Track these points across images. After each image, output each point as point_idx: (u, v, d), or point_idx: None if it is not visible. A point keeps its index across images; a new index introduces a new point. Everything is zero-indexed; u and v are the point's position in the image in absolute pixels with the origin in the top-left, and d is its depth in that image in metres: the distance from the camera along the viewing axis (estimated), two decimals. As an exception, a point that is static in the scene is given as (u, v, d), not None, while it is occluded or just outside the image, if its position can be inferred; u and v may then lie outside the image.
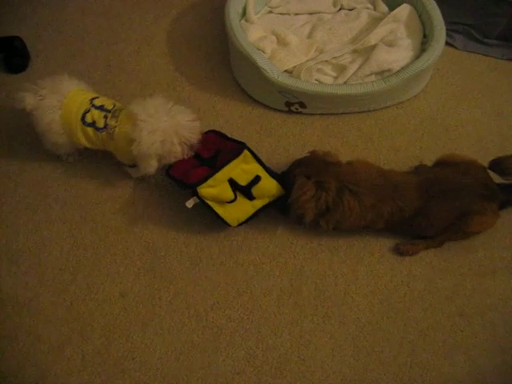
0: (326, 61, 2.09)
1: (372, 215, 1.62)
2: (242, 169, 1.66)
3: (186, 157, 1.70)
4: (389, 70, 2.01)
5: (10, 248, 1.80)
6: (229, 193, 1.64)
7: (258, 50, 2.03)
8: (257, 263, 1.74)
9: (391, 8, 2.25)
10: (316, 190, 1.59)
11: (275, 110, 2.08)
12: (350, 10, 2.31)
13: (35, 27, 2.40)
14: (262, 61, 1.93)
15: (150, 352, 1.61)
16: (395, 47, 2.06)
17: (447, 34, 2.09)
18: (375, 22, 2.21)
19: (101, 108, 1.73)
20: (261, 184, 1.66)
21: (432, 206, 1.61)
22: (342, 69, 2.06)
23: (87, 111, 1.72)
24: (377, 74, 2.04)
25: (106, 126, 1.70)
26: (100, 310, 1.68)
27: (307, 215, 1.61)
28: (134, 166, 1.79)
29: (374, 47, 2.06)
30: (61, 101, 1.73)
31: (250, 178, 1.66)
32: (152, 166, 1.68)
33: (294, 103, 2.00)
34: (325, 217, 1.64)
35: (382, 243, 1.77)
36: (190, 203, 1.63)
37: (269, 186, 1.68)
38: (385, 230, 1.71)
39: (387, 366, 1.58)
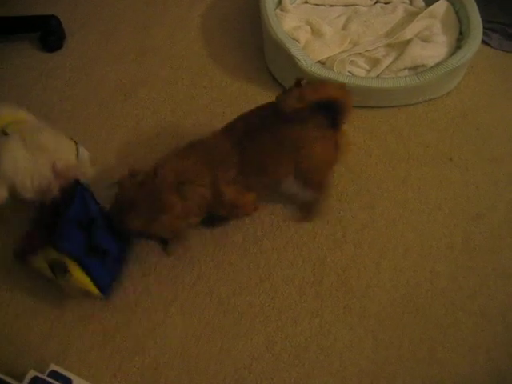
0: (360, 53, 2.08)
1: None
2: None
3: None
4: (423, 66, 1.99)
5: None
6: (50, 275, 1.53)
7: (293, 39, 2.03)
8: (280, 251, 1.75)
9: (428, 3, 2.23)
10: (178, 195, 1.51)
11: (306, 100, 2.08)
12: (386, 3, 2.29)
13: (71, 7, 2.43)
14: (295, 50, 1.93)
15: (170, 332, 1.63)
16: (430, 43, 2.04)
17: (483, 33, 2.06)
18: (411, 16, 2.19)
19: None
20: (72, 282, 1.51)
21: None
22: (375, 62, 2.05)
23: None
24: (410, 69, 2.02)
25: None
26: (123, 288, 1.70)
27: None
28: None
29: (408, 42, 2.05)
30: None
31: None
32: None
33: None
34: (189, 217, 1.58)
35: (407, 239, 1.77)
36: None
37: (82, 285, 1.53)
38: None
39: (405, 361, 1.57)
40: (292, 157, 1.57)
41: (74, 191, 1.55)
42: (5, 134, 1.55)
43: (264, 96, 2.10)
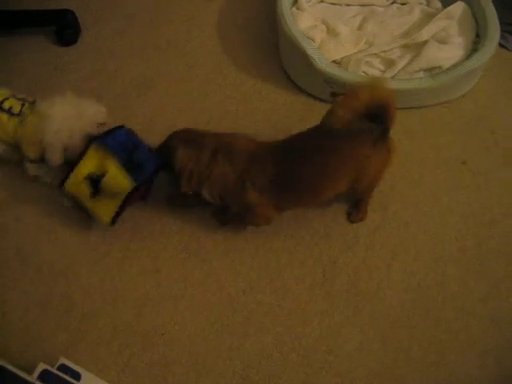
0: (375, 54, 2.07)
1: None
2: (94, 164, 1.61)
3: None
4: (438, 68, 1.98)
5: (51, 217, 1.83)
6: (85, 189, 1.61)
7: (308, 38, 2.02)
8: (291, 251, 1.75)
9: (445, 4, 2.21)
10: (193, 151, 1.56)
11: (320, 99, 2.07)
12: (403, 4, 2.28)
13: (87, 1, 2.43)
14: (310, 49, 1.93)
15: (179, 329, 1.63)
16: (447, 44, 2.03)
17: (500, 35, 2.04)
18: (428, 17, 2.18)
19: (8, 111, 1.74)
20: (107, 179, 1.59)
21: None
22: (390, 63, 2.04)
23: (5, 98, 1.76)
24: (426, 70, 2.01)
25: (21, 112, 1.72)
26: (133, 283, 1.71)
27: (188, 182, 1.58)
28: (35, 162, 1.78)
29: (424, 43, 2.04)
30: None
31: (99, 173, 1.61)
32: (56, 157, 1.68)
33: (340, 94, 1.98)
34: (205, 185, 1.59)
35: (418, 241, 1.76)
36: (66, 202, 1.73)
37: (115, 182, 1.60)
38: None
39: (414, 363, 1.57)
40: (345, 177, 1.56)
41: (115, 129, 1.66)
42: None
43: (278, 94, 2.10)
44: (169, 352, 1.60)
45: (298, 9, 2.18)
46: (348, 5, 2.28)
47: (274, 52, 2.23)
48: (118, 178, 1.58)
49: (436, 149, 1.96)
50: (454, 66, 1.96)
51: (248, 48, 2.27)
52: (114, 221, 1.67)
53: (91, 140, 1.63)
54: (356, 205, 1.79)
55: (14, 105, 1.74)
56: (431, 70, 2.00)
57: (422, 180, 1.88)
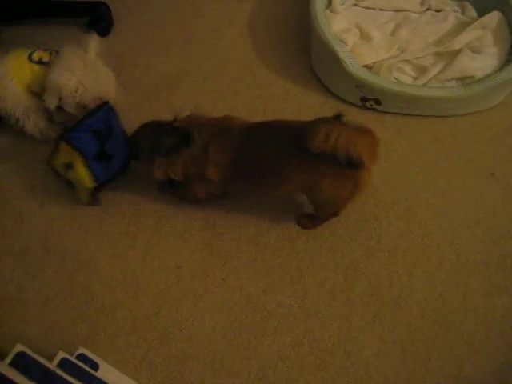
0: (407, 60, 2.05)
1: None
2: (65, 157, 1.71)
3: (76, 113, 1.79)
4: (471, 77, 1.96)
5: (75, 207, 1.85)
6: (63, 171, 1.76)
7: (340, 41, 2.01)
8: (313, 253, 1.74)
9: (480, 13, 2.19)
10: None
11: (349, 103, 2.06)
12: (438, 11, 2.26)
13: (121, -6, 2.45)
14: (343, 52, 1.92)
15: (198, 325, 1.63)
16: (481, 54, 2.01)
17: (536, 47, 2.02)
18: (462, 26, 2.15)
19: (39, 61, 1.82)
20: (73, 174, 1.71)
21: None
22: (422, 70, 2.02)
23: (33, 52, 1.83)
24: (458, 79, 1.99)
25: (50, 60, 1.79)
26: (154, 277, 1.72)
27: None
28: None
29: (458, 52, 2.02)
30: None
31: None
32: (52, 101, 1.76)
33: (370, 99, 1.97)
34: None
35: (442, 250, 1.74)
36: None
37: (80, 178, 1.71)
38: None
39: (433, 374, 1.55)
40: (297, 182, 1.56)
41: (101, 107, 1.75)
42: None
43: (307, 96, 2.09)
44: (186, 348, 1.60)
45: (331, 11, 2.17)
46: (382, 9, 2.27)
47: (305, 53, 2.23)
48: (82, 176, 1.69)
49: (465, 158, 1.94)
50: (487, 76, 1.94)
51: (278, 48, 2.27)
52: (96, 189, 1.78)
53: (61, 135, 1.72)
54: (312, 215, 1.77)
55: (43, 55, 1.82)
56: (463, 79, 1.98)
57: (449, 189, 1.86)
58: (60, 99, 1.75)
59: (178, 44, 2.29)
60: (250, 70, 2.20)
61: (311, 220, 1.77)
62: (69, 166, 1.70)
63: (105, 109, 1.75)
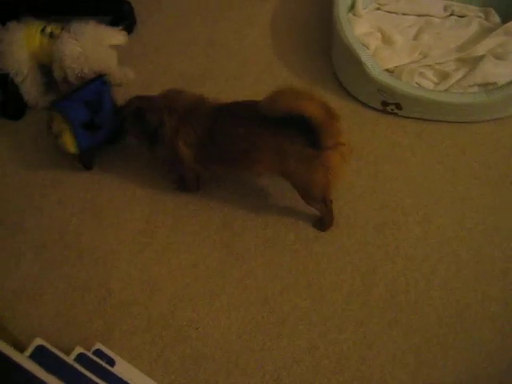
0: (429, 65, 2.05)
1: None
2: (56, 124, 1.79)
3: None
4: (493, 84, 1.95)
5: (94, 202, 1.87)
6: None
7: (363, 45, 2.00)
8: (331, 256, 1.74)
9: (504, 20, 2.17)
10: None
11: (370, 107, 2.06)
12: (461, 16, 2.25)
13: (144, -7, 2.47)
14: (365, 56, 1.92)
15: (213, 325, 1.64)
16: (504, 61, 1.99)
17: (560, 55, 2.00)
18: (485, 32, 2.14)
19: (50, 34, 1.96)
20: (59, 140, 1.79)
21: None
22: (444, 75, 2.01)
23: (46, 25, 1.98)
24: (480, 85, 1.98)
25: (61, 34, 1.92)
26: (171, 276, 1.73)
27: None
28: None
29: (481, 58, 2.00)
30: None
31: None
32: (59, 72, 1.91)
33: (391, 103, 1.97)
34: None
35: (460, 258, 1.73)
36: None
37: (64, 144, 1.79)
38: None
39: (448, 382, 1.54)
40: (266, 162, 1.57)
41: (95, 79, 1.87)
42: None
43: (328, 99, 2.04)
44: (202, 347, 1.61)
45: (354, 15, 2.17)
46: (404, 14, 2.26)
47: (326, 56, 2.23)
48: (67, 143, 1.78)
49: (485, 166, 1.92)
50: (510, 83, 1.92)
51: (299, 50, 2.27)
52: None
53: (52, 102, 1.89)
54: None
55: (55, 29, 1.96)
56: (486, 86, 1.97)
57: (468, 196, 1.85)
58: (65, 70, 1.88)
59: (199, 44, 2.30)
60: (271, 71, 2.20)
61: (319, 220, 1.78)
62: (59, 133, 1.79)
63: (99, 82, 1.85)
